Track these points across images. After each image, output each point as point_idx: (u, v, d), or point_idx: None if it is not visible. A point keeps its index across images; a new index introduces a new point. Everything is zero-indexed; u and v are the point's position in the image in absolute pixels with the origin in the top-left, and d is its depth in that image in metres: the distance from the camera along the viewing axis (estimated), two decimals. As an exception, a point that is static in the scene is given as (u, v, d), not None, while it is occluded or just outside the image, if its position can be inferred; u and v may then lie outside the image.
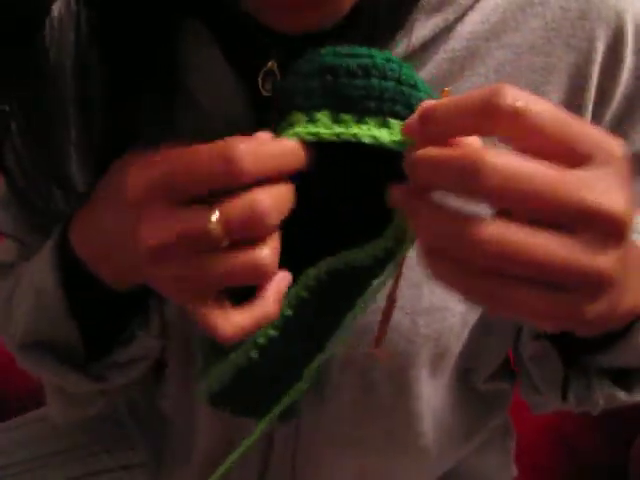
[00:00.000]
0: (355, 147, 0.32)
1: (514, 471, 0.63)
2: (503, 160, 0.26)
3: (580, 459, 0.95)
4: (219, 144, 0.31)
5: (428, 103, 0.30)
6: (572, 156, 0.27)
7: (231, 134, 0.38)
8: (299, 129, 0.32)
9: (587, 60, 0.41)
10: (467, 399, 0.54)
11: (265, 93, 0.41)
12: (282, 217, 0.32)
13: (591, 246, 0.27)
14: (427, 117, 0.29)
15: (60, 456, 0.62)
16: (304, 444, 0.50)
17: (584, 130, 0.28)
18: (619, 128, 0.44)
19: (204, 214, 0.30)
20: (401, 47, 0.40)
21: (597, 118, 0.43)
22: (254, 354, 0.38)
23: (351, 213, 0.36)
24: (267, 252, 0.31)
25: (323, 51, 0.33)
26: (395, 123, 0.31)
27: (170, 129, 0.43)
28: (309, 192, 0.34)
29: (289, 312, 0.38)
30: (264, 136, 0.33)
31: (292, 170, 0.32)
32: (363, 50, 0.32)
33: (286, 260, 0.34)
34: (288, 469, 0.51)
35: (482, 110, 0.27)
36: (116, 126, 0.42)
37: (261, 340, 0.38)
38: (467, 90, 0.39)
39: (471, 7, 0.40)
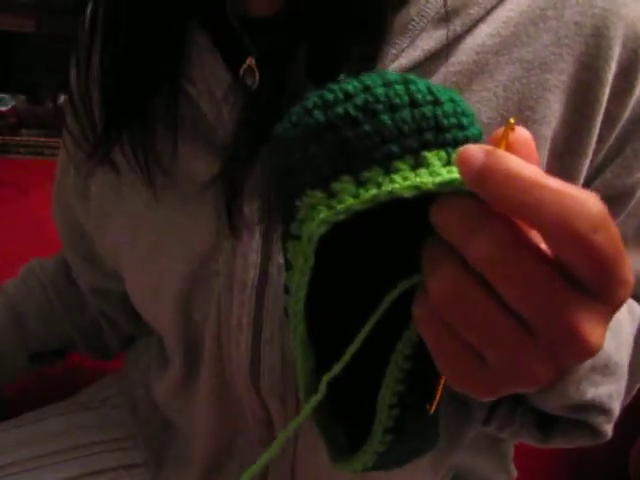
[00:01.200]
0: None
1: (514, 472, 0.63)
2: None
3: (580, 459, 0.95)
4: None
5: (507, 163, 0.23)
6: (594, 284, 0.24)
7: (222, 127, 0.42)
8: (325, 213, 0.25)
9: (599, 80, 0.39)
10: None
11: (249, 84, 0.41)
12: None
13: (541, 354, 0.25)
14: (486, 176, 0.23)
15: (60, 456, 0.62)
16: (303, 446, 0.50)
17: (626, 268, 0.24)
18: (620, 152, 0.43)
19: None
20: (406, 58, 0.39)
21: (602, 141, 0.42)
22: (387, 438, 0.34)
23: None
24: None
25: (309, 104, 0.26)
26: (432, 156, 0.25)
27: (173, 122, 0.44)
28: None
29: (401, 387, 0.33)
30: None
31: None
32: (357, 85, 0.25)
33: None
34: (288, 471, 0.51)
35: (561, 229, 0.23)
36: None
37: (388, 423, 0.34)
38: (476, 105, 0.39)
39: (482, 19, 0.39)
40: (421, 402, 0.33)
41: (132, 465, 0.63)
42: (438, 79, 0.39)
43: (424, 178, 0.24)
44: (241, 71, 0.42)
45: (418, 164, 0.25)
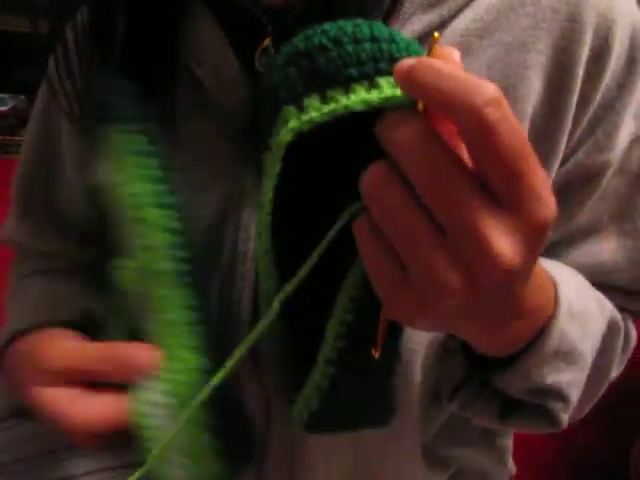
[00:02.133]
0: (354, 127, 0.30)
1: (513, 469, 0.63)
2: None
3: (580, 459, 0.95)
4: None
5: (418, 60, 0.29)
6: (506, 195, 0.27)
7: (230, 108, 0.43)
8: (293, 123, 0.30)
9: (574, 62, 0.42)
10: None
11: (261, 69, 0.43)
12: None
13: (452, 260, 0.28)
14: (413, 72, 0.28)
15: (61, 454, 0.62)
16: (300, 440, 0.50)
17: (537, 180, 0.27)
18: (592, 134, 0.45)
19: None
20: None
21: (576, 122, 0.44)
22: (331, 370, 0.37)
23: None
24: None
25: (294, 39, 0.31)
26: (383, 80, 0.30)
27: (172, 105, 0.45)
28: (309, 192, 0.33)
29: (350, 317, 0.36)
30: None
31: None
32: (332, 25, 0.31)
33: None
34: (284, 466, 0.51)
35: (462, 106, 0.26)
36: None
37: (332, 354, 0.37)
38: None
39: (466, 5, 0.42)
40: (369, 345, 0.35)
41: (134, 463, 0.63)
42: None
43: (373, 96, 0.29)
44: (257, 52, 0.43)
45: (372, 87, 0.30)
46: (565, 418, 0.44)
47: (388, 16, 0.41)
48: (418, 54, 0.31)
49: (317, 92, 0.30)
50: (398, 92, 0.29)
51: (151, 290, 0.39)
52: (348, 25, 0.30)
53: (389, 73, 0.30)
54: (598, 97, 0.44)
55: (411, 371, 0.47)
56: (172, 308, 0.39)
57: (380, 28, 0.30)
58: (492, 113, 0.26)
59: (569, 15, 0.42)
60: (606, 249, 0.49)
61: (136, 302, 0.39)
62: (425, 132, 0.28)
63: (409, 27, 0.41)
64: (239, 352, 0.35)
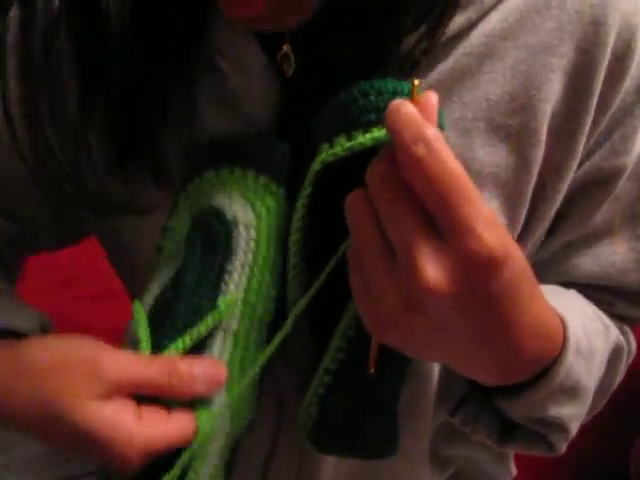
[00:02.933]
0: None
1: (514, 470, 0.63)
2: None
3: (581, 459, 0.95)
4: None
5: (400, 104, 0.33)
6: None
7: (256, 104, 0.43)
8: (322, 156, 0.37)
9: (596, 65, 0.42)
10: None
11: (286, 70, 0.42)
12: None
13: (394, 279, 0.31)
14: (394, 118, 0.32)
15: (62, 455, 0.62)
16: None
17: (472, 213, 0.30)
18: (609, 137, 0.45)
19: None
20: (426, 42, 0.41)
21: (594, 125, 0.44)
22: (327, 379, 0.40)
23: None
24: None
25: (341, 93, 0.37)
26: None
27: (191, 96, 0.44)
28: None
29: (351, 332, 0.39)
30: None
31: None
32: (368, 82, 0.37)
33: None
34: (293, 469, 0.51)
35: (398, 145, 0.31)
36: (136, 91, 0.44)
37: (332, 365, 0.40)
38: (486, 85, 0.42)
39: (494, 6, 0.42)
40: (366, 364, 0.38)
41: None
42: (452, 61, 0.42)
43: (382, 134, 0.35)
44: (279, 57, 0.43)
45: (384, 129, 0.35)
46: (563, 446, 0.45)
47: (419, 21, 0.41)
48: None
49: (345, 132, 0.36)
50: None
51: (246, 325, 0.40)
52: (378, 81, 0.37)
53: None
54: (617, 100, 0.44)
55: (429, 379, 0.48)
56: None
57: (402, 85, 0.36)
58: (419, 150, 0.30)
59: (593, 18, 0.42)
60: (617, 251, 0.49)
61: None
62: (389, 165, 0.32)
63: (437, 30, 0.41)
64: (259, 362, 0.39)
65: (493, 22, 0.42)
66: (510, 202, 0.44)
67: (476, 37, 0.42)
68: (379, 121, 0.35)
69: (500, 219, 0.44)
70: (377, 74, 0.39)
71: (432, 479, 0.56)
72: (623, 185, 0.47)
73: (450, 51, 0.42)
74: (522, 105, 0.42)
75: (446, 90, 0.42)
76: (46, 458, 0.61)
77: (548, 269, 0.50)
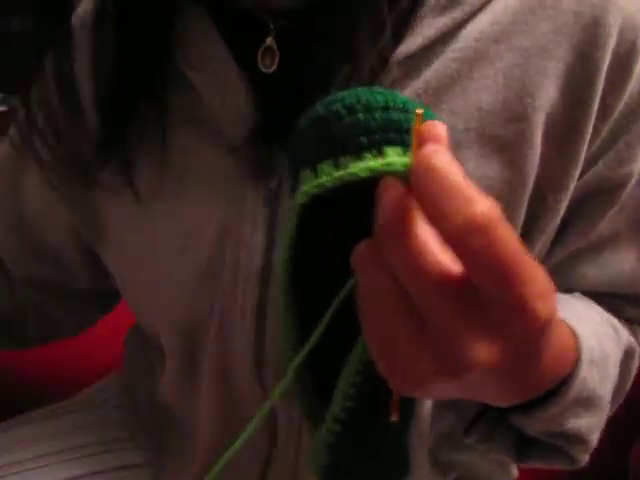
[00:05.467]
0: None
1: (515, 472, 0.63)
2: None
3: (580, 459, 0.94)
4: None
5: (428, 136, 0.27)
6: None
7: (228, 117, 0.41)
8: (307, 187, 0.31)
9: (597, 69, 0.40)
10: None
11: (264, 70, 0.42)
12: None
13: (427, 352, 0.26)
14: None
15: (61, 456, 0.62)
16: (307, 442, 0.50)
17: (527, 291, 0.25)
18: (613, 145, 0.43)
19: None
20: (407, 45, 0.39)
21: (596, 131, 0.42)
22: (336, 428, 0.37)
23: None
24: None
25: (317, 104, 0.32)
26: (389, 150, 0.30)
27: (163, 109, 0.44)
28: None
29: (359, 378, 0.35)
30: None
31: None
32: (351, 91, 0.31)
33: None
34: (291, 465, 0.51)
35: (453, 226, 0.24)
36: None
37: (341, 414, 0.36)
38: (476, 92, 0.40)
39: (481, 8, 0.40)
40: (380, 405, 0.34)
41: (133, 465, 0.63)
42: (438, 65, 0.40)
43: (377, 163, 0.29)
44: (260, 52, 0.41)
45: (380, 155, 0.30)
46: (585, 457, 0.44)
47: (402, 20, 0.39)
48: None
49: (331, 158, 0.31)
50: (400, 159, 0.29)
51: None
52: (365, 93, 0.31)
53: (397, 143, 0.30)
54: (620, 106, 0.42)
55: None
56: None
57: (394, 96, 0.31)
58: (475, 241, 0.24)
59: (593, 19, 0.40)
60: (626, 259, 0.48)
61: None
62: (404, 215, 0.26)
63: (420, 32, 0.39)
64: (259, 416, 0.35)
65: (483, 24, 0.39)
66: (505, 215, 0.42)
67: (465, 40, 0.39)
68: (372, 145, 0.30)
69: None
70: (355, 69, 0.36)
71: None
72: (630, 192, 0.45)
73: (437, 55, 0.39)
74: (516, 114, 0.40)
75: (434, 97, 0.40)
76: (44, 458, 0.61)
77: (554, 279, 0.49)
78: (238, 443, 0.35)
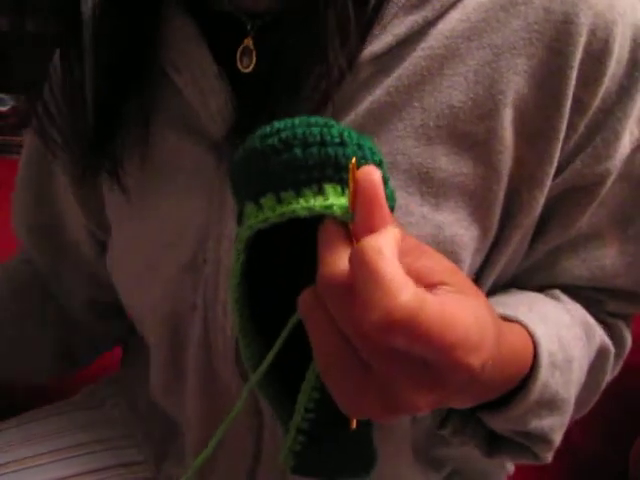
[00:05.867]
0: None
1: (510, 467, 0.63)
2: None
3: (580, 459, 0.94)
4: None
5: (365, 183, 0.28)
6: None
7: (209, 116, 0.42)
8: (251, 221, 0.32)
9: (569, 66, 0.40)
10: None
11: (243, 70, 0.42)
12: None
13: (371, 388, 0.28)
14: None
15: (60, 454, 0.62)
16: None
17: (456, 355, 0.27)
18: (590, 142, 0.43)
19: None
20: (377, 44, 0.40)
21: (571, 128, 0.42)
22: (301, 438, 0.38)
23: None
24: None
25: (256, 134, 0.32)
26: (329, 188, 0.31)
27: (146, 109, 0.45)
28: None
29: (317, 395, 0.36)
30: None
31: None
32: (287, 123, 0.31)
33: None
34: (279, 465, 0.51)
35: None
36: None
37: (303, 425, 0.37)
38: (448, 89, 0.40)
39: (453, 5, 0.40)
40: (340, 416, 0.35)
41: (132, 463, 0.63)
42: (409, 63, 0.40)
43: (317, 202, 0.30)
44: (238, 52, 0.42)
45: (319, 193, 0.30)
46: (548, 456, 0.45)
47: (370, 20, 0.39)
48: (365, 159, 0.31)
49: (272, 192, 0.31)
50: (339, 201, 0.30)
51: None
52: (302, 125, 0.31)
53: (335, 180, 0.31)
54: (597, 102, 0.42)
55: None
56: None
57: (331, 129, 0.31)
58: (398, 339, 0.26)
59: (564, 15, 0.40)
60: (607, 254, 0.48)
61: None
62: (342, 268, 0.28)
63: (390, 30, 0.39)
64: (221, 430, 0.37)
65: (454, 22, 0.40)
66: (480, 211, 0.42)
67: (435, 38, 0.40)
68: (311, 181, 0.30)
69: (470, 229, 0.42)
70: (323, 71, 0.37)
71: (428, 479, 0.56)
72: (611, 188, 0.44)
73: (409, 52, 0.40)
74: (488, 111, 0.40)
75: (405, 95, 0.40)
76: (44, 457, 0.61)
77: (536, 273, 0.49)
78: (209, 449, 0.36)
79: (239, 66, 0.43)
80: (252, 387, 0.36)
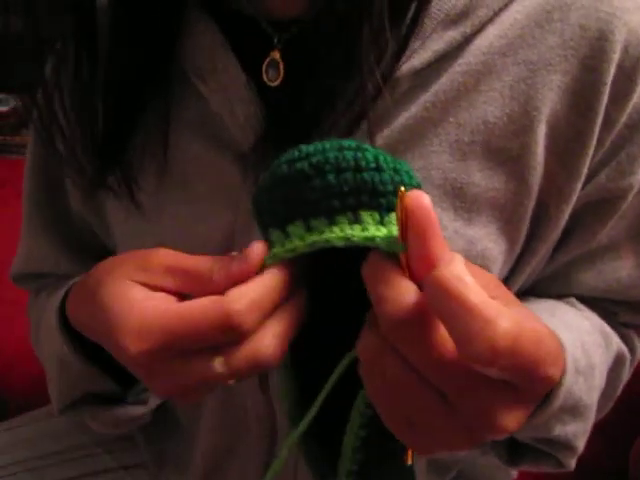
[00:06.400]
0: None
1: (514, 472, 0.63)
2: None
3: (579, 461, 0.95)
4: (216, 305, 0.30)
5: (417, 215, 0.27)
6: None
7: (236, 126, 0.41)
8: (277, 249, 0.30)
9: (602, 82, 0.40)
10: None
11: (269, 83, 0.42)
12: (288, 344, 0.32)
13: (456, 425, 0.28)
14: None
15: (61, 456, 0.62)
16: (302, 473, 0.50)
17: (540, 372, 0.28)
18: (615, 157, 0.43)
19: (208, 365, 0.31)
20: (417, 59, 0.39)
21: (599, 143, 0.42)
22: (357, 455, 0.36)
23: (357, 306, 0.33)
24: (268, 342, 0.31)
25: (282, 158, 0.31)
26: (365, 215, 0.29)
27: (166, 116, 0.44)
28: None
29: (363, 432, 0.35)
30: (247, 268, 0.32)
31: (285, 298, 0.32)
32: (317, 146, 0.30)
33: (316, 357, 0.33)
34: (291, 472, 0.51)
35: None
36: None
37: (352, 467, 0.36)
38: (483, 105, 0.40)
39: (490, 21, 0.40)
40: (389, 451, 0.34)
41: (133, 465, 0.63)
42: (446, 79, 0.40)
43: (355, 232, 0.28)
44: (264, 65, 0.42)
45: (356, 220, 0.29)
46: (572, 462, 0.45)
47: (407, 34, 0.39)
48: (403, 183, 0.29)
49: (301, 220, 0.30)
50: (381, 232, 0.29)
51: None
52: (333, 149, 0.29)
53: (372, 207, 0.29)
54: (624, 118, 0.42)
55: None
56: None
57: (365, 152, 0.29)
58: (503, 365, 0.26)
59: (599, 32, 0.40)
60: (623, 267, 0.48)
61: None
62: (407, 306, 0.27)
63: (429, 46, 0.39)
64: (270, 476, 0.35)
65: (491, 38, 0.39)
66: (509, 225, 0.43)
67: (473, 54, 0.39)
68: (345, 208, 0.29)
69: (498, 242, 0.42)
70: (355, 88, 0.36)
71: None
72: (630, 202, 0.45)
73: (446, 68, 0.39)
74: (522, 127, 0.40)
75: (442, 110, 0.40)
76: (44, 459, 0.61)
77: (552, 283, 0.49)
78: None
79: (264, 79, 0.42)
80: (291, 444, 0.34)
